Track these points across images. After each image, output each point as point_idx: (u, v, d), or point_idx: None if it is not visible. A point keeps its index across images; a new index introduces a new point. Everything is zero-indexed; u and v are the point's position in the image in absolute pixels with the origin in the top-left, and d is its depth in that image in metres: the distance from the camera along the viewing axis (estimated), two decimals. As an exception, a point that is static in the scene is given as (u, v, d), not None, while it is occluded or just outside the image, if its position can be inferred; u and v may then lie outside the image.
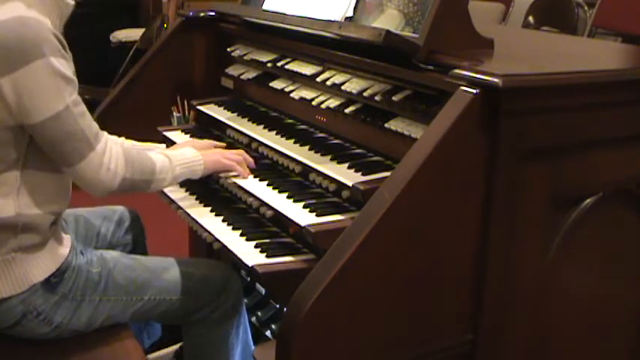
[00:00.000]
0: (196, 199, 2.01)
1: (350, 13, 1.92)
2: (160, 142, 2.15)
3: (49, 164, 1.68)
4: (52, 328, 1.74)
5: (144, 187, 1.80)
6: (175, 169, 1.84)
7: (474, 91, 1.39)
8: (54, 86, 1.58)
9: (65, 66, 1.61)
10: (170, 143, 2.21)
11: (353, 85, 1.82)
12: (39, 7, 1.62)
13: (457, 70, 1.44)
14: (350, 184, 1.64)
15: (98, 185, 1.69)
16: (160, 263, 1.91)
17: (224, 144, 2.10)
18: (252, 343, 2.07)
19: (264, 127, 2.09)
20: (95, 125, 1.69)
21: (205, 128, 2.33)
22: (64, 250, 1.75)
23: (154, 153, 1.86)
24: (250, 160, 1.95)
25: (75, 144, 1.63)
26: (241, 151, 1.98)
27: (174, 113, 2.38)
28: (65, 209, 1.77)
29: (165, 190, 2.07)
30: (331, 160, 1.79)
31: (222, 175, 1.95)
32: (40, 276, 1.70)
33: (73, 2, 1.72)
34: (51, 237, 1.72)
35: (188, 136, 2.26)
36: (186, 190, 2.06)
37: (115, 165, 1.70)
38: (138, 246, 2.21)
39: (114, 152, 1.70)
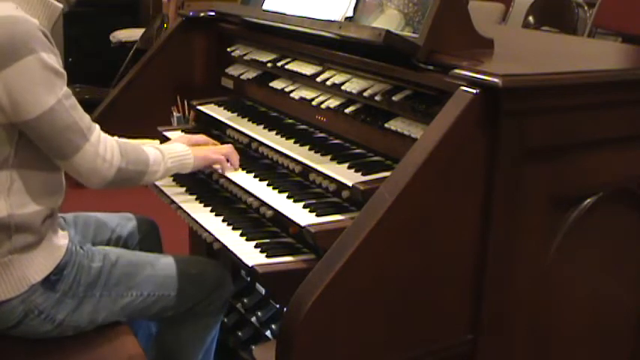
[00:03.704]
0: (196, 199, 2.01)
1: (350, 13, 1.92)
2: (160, 141, 2.15)
3: (39, 161, 1.69)
4: (54, 325, 1.74)
5: (137, 179, 1.81)
6: (167, 162, 1.86)
7: (474, 91, 1.39)
8: (46, 80, 1.60)
9: (55, 61, 1.63)
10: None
11: (353, 85, 1.82)
12: (26, 8, 1.64)
13: (457, 70, 1.44)
14: (350, 184, 1.64)
15: (95, 176, 1.70)
16: (158, 259, 1.92)
17: (215, 142, 2.09)
18: (214, 345, 2.12)
19: (264, 127, 2.09)
20: (87, 117, 1.70)
21: (205, 128, 2.33)
22: (62, 246, 1.76)
23: (146, 147, 1.87)
24: (237, 157, 1.97)
25: (69, 136, 1.64)
26: (230, 145, 2.00)
27: (174, 113, 2.38)
28: (59, 204, 1.77)
29: (166, 189, 2.07)
30: (331, 160, 1.79)
31: (214, 168, 1.97)
32: (39, 275, 1.70)
33: (60, 5, 1.73)
34: (46, 234, 1.72)
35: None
36: (187, 190, 2.06)
37: (111, 155, 1.71)
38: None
39: (108, 143, 1.72)
